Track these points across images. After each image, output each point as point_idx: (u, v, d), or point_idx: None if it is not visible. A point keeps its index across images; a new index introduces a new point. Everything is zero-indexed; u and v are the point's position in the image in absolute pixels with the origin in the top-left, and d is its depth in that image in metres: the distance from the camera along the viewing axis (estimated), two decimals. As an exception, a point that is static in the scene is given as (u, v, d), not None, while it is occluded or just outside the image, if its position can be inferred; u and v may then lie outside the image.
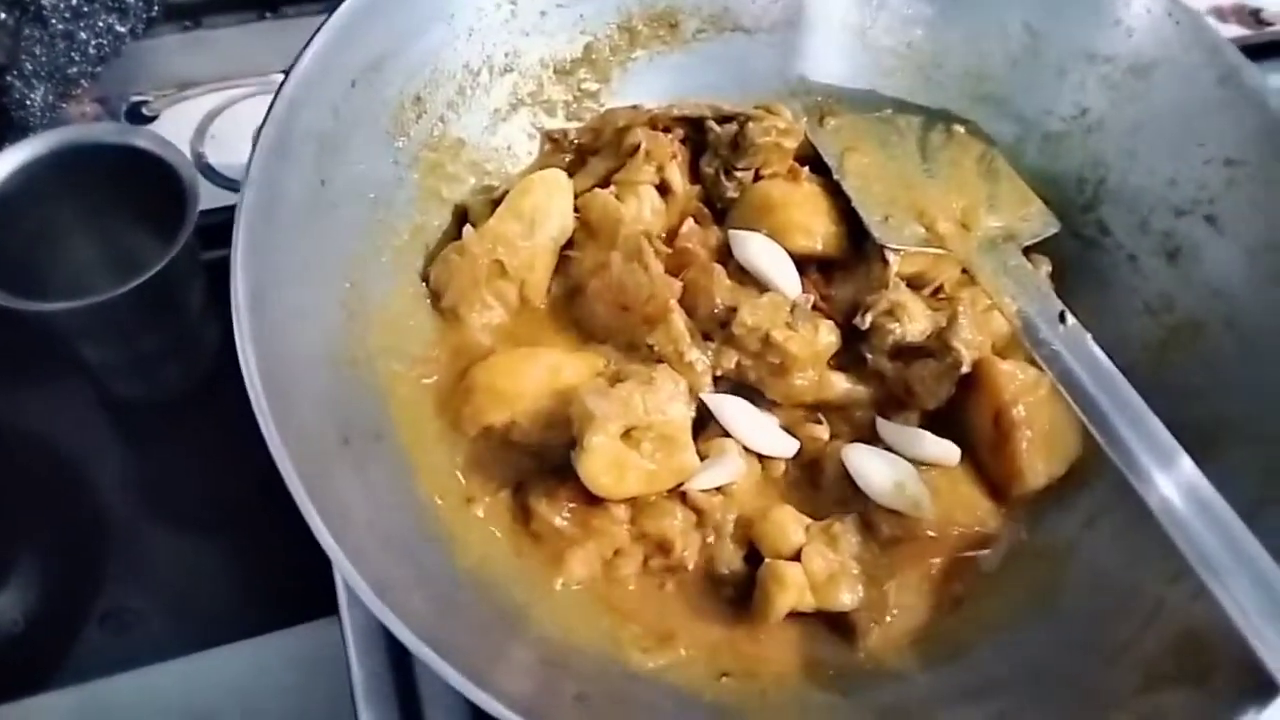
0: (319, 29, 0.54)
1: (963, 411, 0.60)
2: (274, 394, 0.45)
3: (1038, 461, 0.58)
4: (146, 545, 0.69)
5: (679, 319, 0.59)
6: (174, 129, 0.84)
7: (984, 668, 0.54)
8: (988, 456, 0.59)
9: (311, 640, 0.63)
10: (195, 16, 0.92)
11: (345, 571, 0.43)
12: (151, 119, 0.86)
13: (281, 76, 0.53)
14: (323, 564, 0.56)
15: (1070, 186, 0.67)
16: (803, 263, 0.62)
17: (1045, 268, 0.64)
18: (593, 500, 0.54)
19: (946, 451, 0.58)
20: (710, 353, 0.60)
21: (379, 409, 0.54)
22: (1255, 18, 1.07)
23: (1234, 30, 1.05)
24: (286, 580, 0.65)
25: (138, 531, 0.70)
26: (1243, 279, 0.59)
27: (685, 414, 0.55)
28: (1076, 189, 0.67)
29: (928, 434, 0.59)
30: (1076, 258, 0.66)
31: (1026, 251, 0.63)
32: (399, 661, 0.56)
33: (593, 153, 0.66)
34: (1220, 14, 1.06)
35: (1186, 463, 0.50)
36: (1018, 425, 0.58)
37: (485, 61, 0.64)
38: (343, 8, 0.55)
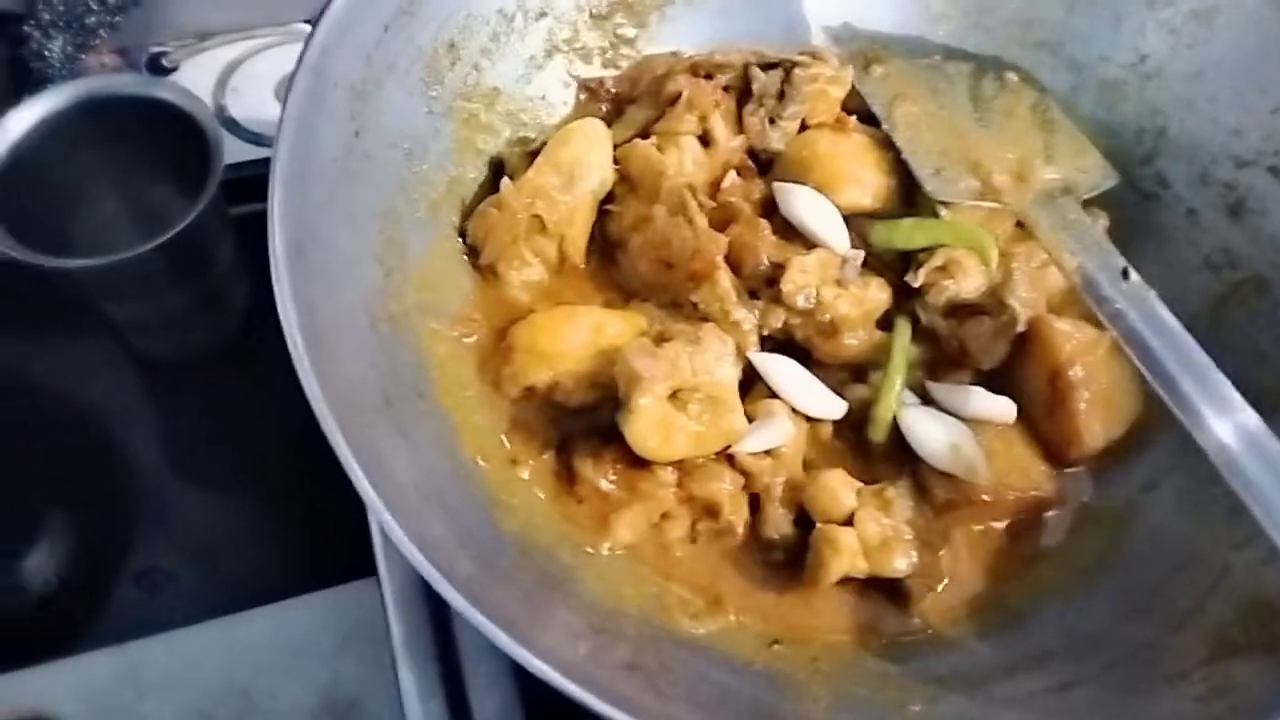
0: (349, -28, 0.52)
1: (1016, 372, 0.58)
2: (315, 350, 0.43)
3: (1095, 423, 0.56)
4: (177, 504, 0.69)
5: (725, 277, 0.57)
6: (194, 80, 0.81)
7: (1043, 636, 0.53)
8: (1043, 418, 0.57)
9: (346, 603, 0.62)
10: (215, -34, 0.90)
11: (390, 529, 0.41)
12: (171, 70, 0.84)
13: (304, 26, 0.51)
14: (357, 525, 0.55)
15: (1128, 137, 0.65)
16: (849, 217, 0.59)
17: (1103, 222, 0.61)
18: (639, 462, 0.53)
19: (1002, 408, 0.57)
20: (757, 311, 0.58)
21: (419, 368, 0.52)
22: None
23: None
24: (319, 542, 0.64)
25: (168, 490, 0.69)
26: (1312, 234, 0.57)
27: (733, 375, 0.54)
28: (1134, 140, 0.65)
29: (981, 390, 0.57)
30: (1134, 211, 0.64)
31: (1083, 205, 0.61)
32: (438, 623, 0.56)
33: (630, 102, 0.64)
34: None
35: (1252, 416, 0.48)
36: (1075, 386, 0.56)
37: (519, 5, 0.61)
38: (373, -50, 0.53)
